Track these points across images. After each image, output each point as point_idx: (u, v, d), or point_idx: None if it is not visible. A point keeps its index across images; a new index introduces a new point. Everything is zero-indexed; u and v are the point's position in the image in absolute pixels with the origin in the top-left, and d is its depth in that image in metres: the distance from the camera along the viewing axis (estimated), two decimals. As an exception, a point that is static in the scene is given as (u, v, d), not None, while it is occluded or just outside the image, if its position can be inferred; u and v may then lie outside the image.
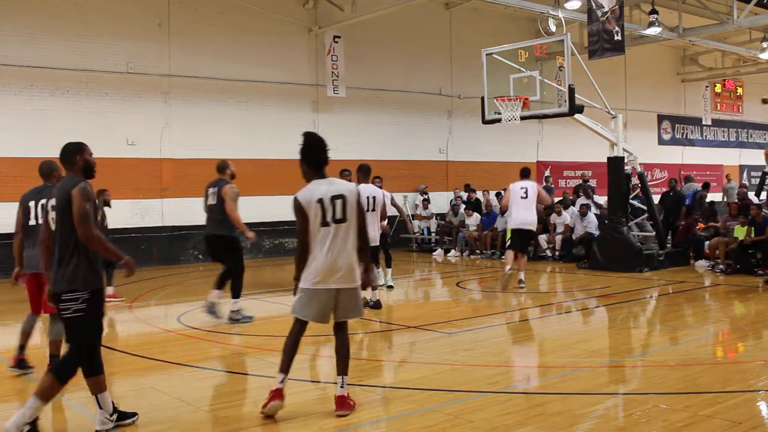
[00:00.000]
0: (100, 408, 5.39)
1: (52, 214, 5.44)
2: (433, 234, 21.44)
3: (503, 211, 16.52)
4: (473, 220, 19.93)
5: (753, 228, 14.48)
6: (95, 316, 5.29)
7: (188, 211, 18.47)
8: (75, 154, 5.69)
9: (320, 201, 5.75)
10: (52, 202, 5.44)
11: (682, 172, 26.23)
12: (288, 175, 20.24)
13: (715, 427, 5.29)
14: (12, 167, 16.38)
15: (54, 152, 19.03)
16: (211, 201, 9.88)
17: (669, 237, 17.07)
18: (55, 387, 5.21)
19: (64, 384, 5.25)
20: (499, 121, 15.45)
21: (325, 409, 5.88)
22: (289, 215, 20.07)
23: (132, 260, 5.54)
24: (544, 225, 18.29)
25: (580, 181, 23.46)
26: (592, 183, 23.15)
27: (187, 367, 7.54)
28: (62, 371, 5.23)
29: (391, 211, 13.71)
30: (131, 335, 8.84)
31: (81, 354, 5.27)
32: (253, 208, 19.55)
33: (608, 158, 15.73)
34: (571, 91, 14.38)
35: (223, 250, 9.80)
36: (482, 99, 15.84)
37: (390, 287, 13.33)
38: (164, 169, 18.21)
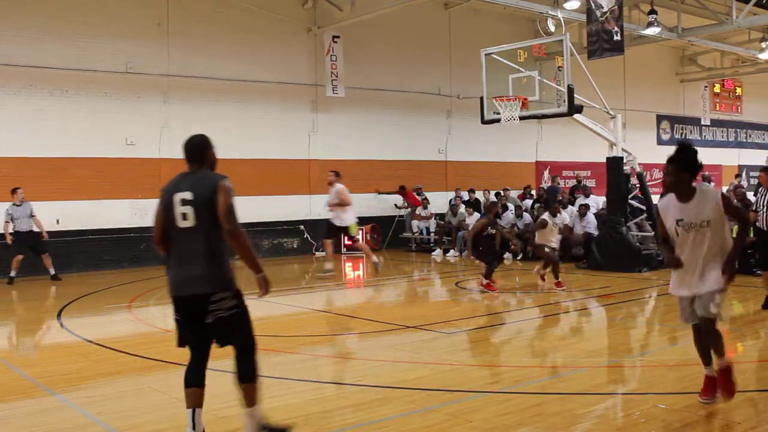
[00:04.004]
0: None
1: (182, 210, 4.98)
2: (432, 234, 21.44)
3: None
4: (473, 219, 19.91)
5: (752, 228, 14.45)
6: (248, 312, 5.19)
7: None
8: (206, 149, 5.53)
9: None
10: (184, 196, 5.03)
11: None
12: (287, 175, 20.38)
13: (713, 427, 5.29)
14: (11, 167, 16.39)
15: (51, 152, 18.92)
16: None
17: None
18: (256, 388, 5.15)
19: (258, 380, 5.15)
20: (498, 121, 15.47)
21: (323, 409, 5.88)
22: (289, 215, 20.07)
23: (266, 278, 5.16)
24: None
25: (576, 182, 23.49)
26: (589, 183, 23.18)
27: (186, 366, 7.52)
28: (249, 373, 5.15)
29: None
30: (130, 335, 8.86)
31: (253, 348, 5.19)
32: (252, 208, 19.57)
33: (607, 158, 15.74)
34: (570, 91, 14.39)
35: None
36: (481, 99, 15.86)
37: None
38: (163, 168, 18.17)
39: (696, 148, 5.45)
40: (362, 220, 21.31)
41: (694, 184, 5.45)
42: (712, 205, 5.40)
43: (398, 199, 22.17)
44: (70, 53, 17.14)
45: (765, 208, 10.01)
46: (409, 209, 21.89)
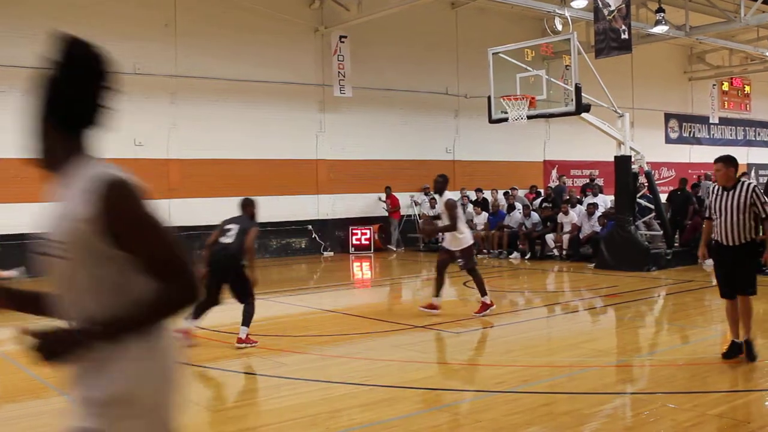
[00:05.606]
0: None
1: None
2: (440, 233, 21.38)
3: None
4: (481, 219, 19.91)
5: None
6: None
7: (195, 212, 18.53)
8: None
9: None
10: None
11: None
12: (295, 175, 20.39)
13: (723, 427, 5.27)
14: (18, 168, 16.44)
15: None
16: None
17: (676, 236, 17.01)
18: None
19: None
20: (505, 120, 15.44)
21: (331, 408, 5.88)
22: (297, 215, 20.07)
23: None
24: (553, 224, 18.27)
25: (588, 180, 23.44)
26: (599, 182, 23.13)
27: (194, 366, 7.54)
28: None
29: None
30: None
31: None
32: (260, 208, 19.58)
33: (615, 157, 15.70)
34: (578, 90, 14.35)
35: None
36: (489, 98, 15.83)
37: None
38: (171, 169, 18.23)
39: None
40: (369, 221, 21.34)
41: None
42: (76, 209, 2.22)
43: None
44: (78, 55, 17.16)
45: (724, 213, 7.03)
46: (388, 211, 21.67)
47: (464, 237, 10.16)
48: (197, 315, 8.34)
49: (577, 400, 6.04)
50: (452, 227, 10.04)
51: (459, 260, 10.17)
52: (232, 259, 8.39)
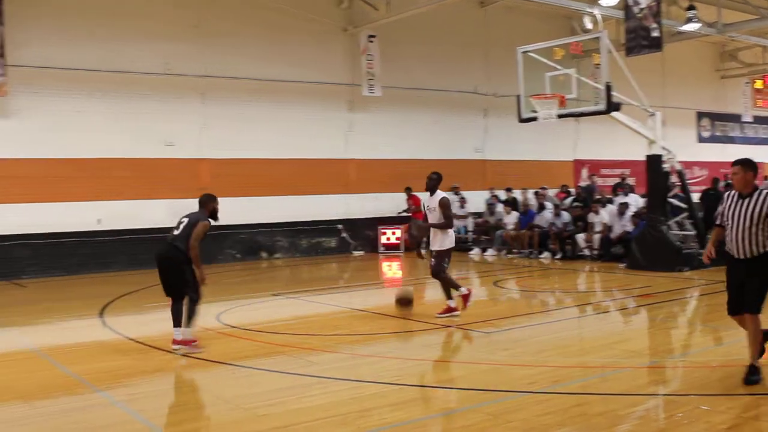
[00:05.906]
0: None
1: None
2: (470, 233, 21.36)
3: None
4: (511, 218, 19.81)
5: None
6: None
7: (225, 211, 18.60)
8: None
9: None
10: None
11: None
12: (324, 175, 20.45)
13: (759, 430, 5.19)
14: (51, 168, 16.66)
15: (91, 153, 19.33)
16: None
17: (709, 236, 16.77)
18: None
19: None
20: (535, 119, 15.35)
21: (361, 408, 5.88)
22: (326, 214, 20.20)
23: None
24: (584, 224, 18.12)
25: (619, 180, 23.23)
26: (630, 181, 22.91)
27: (226, 365, 7.59)
28: None
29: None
30: (170, 333, 8.94)
31: None
32: (290, 208, 19.69)
33: (647, 156, 15.55)
34: (608, 88, 14.24)
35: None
36: (518, 97, 15.75)
37: None
38: (202, 169, 18.37)
39: None
40: (399, 220, 21.33)
41: None
42: None
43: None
44: (108, 55, 17.36)
45: (737, 221, 6.43)
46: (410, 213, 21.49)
47: (450, 239, 10.11)
48: (177, 322, 8.18)
49: (610, 401, 5.99)
50: (447, 225, 10.02)
51: (432, 260, 10.16)
52: (171, 250, 8.10)
